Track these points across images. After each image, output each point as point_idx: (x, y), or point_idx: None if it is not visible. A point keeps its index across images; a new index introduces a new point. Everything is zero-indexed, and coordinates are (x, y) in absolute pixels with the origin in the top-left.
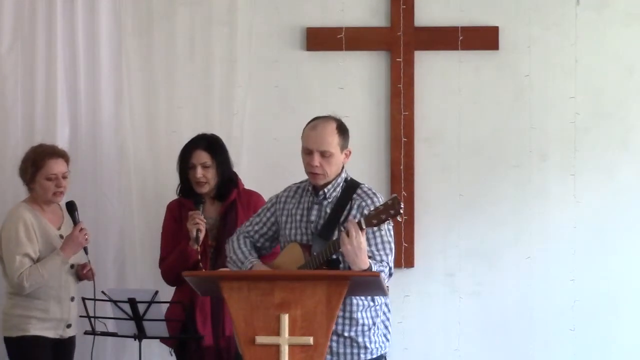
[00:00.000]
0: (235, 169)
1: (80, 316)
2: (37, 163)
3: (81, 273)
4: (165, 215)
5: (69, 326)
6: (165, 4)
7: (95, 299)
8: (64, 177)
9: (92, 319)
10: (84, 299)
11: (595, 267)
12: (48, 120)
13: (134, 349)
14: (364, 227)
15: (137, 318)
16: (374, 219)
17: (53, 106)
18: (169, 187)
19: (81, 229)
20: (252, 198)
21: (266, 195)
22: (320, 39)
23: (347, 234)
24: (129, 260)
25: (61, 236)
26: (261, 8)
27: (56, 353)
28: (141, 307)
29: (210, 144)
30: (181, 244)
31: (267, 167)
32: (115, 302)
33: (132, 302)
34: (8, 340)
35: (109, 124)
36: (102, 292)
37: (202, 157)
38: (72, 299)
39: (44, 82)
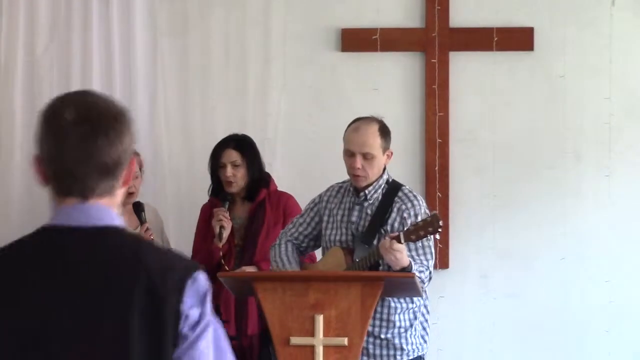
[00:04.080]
0: (269, 170)
1: None
2: None
3: None
4: (198, 217)
5: None
6: (200, 5)
7: None
8: (135, 178)
9: None
10: None
11: (631, 268)
12: None
13: None
14: (402, 242)
15: None
16: (413, 235)
17: None
18: (204, 189)
19: (147, 229)
20: (282, 199)
21: (300, 196)
22: (354, 40)
23: (386, 247)
24: None
25: None
26: (296, 9)
27: None
28: None
29: (240, 143)
30: (207, 243)
31: (301, 168)
32: None
33: None
34: None
35: (144, 125)
36: None
37: (232, 155)
38: None
39: (79, 82)
